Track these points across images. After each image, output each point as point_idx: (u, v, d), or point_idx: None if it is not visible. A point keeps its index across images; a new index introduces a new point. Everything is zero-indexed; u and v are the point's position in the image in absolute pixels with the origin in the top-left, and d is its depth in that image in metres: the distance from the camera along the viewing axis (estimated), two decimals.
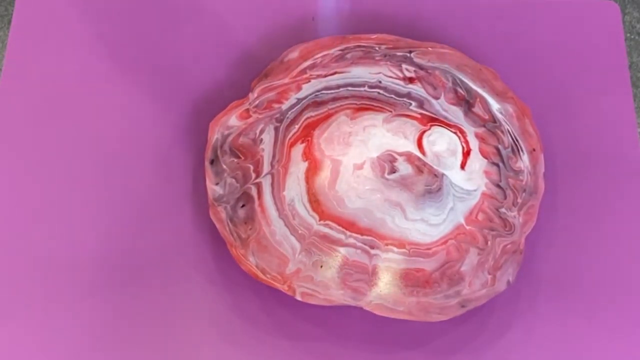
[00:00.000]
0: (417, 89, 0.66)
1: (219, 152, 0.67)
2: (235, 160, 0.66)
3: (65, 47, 0.75)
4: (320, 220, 0.63)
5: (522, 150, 0.67)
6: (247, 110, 0.68)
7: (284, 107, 0.67)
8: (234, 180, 0.65)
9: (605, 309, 0.68)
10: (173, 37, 0.77)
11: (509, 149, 0.66)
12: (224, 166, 0.66)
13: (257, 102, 0.67)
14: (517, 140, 0.67)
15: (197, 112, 0.73)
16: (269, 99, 0.67)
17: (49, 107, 0.73)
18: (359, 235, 0.62)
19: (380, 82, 0.67)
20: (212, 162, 0.67)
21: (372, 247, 0.63)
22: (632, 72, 0.77)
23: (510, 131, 0.67)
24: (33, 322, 0.65)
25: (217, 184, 0.66)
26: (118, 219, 0.69)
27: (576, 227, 0.71)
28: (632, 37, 0.77)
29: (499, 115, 0.67)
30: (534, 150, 0.68)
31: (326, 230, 0.63)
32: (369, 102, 0.66)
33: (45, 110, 0.73)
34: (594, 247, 0.71)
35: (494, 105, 0.68)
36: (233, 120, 0.68)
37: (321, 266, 0.63)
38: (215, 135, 0.67)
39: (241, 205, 0.64)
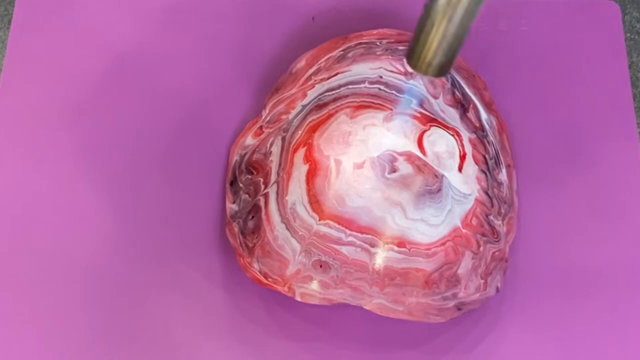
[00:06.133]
0: (418, 85, 0.66)
1: (237, 172, 0.68)
2: (250, 176, 0.67)
3: (65, 48, 0.75)
4: (320, 220, 0.63)
5: (501, 164, 0.68)
6: (261, 127, 0.69)
7: (291, 116, 0.68)
8: (247, 195, 0.67)
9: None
10: (176, 48, 0.77)
11: (493, 160, 0.67)
12: (241, 184, 0.67)
13: (268, 117, 0.69)
14: (498, 153, 0.68)
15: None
16: (279, 112, 0.68)
17: (49, 108, 0.73)
18: (359, 234, 0.63)
19: (381, 77, 0.67)
20: (231, 183, 0.68)
21: (373, 246, 0.63)
22: (632, 72, 0.77)
23: (494, 143, 0.68)
24: (42, 324, 0.66)
25: (234, 202, 0.67)
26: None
27: (573, 229, 0.71)
28: (632, 37, 0.78)
29: (486, 126, 0.68)
30: (509, 166, 0.69)
31: (326, 229, 0.63)
32: (369, 99, 0.66)
33: (45, 111, 0.73)
34: (591, 248, 0.71)
35: (483, 114, 0.68)
36: (249, 139, 0.69)
37: (320, 266, 0.63)
38: (235, 157, 0.69)
39: (251, 217, 0.65)
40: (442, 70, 0.54)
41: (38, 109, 0.73)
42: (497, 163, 0.68)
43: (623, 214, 0.72)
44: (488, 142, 0.67)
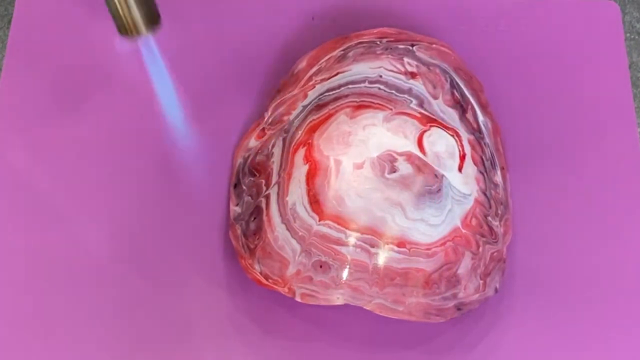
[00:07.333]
0: (418, 85, 0.66)
1: (240, 175, 0.68)
2: (252, 178, 0.67)
3: (65, 48, 0.75)
4: (320, 220, 0.63)
5: (496, 166, 0.68)
6: (263, 129, 0.69)
7: (292, 117, 0.68)
8: (250, 197, 0.67)
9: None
10: (177, 50, 0.77)
11: (489, 162, 0.67)
12: (244, 187, 0.67)
13: (270, 119, 0.69)
14: (493, 154, 0.68)
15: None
16: (280, 113, 0.68)
17: (49, 108, 0.73)
18: (359, 234, 0.62)
19: (381, 76, 0.67)
20: (235, 186, 0.68)
21: (373, 246, 0.62)
22: (632, 72, 0.77)
23: (489, 145, 0.68)
24: (45, 326, 0.65)
25: (237, 204, 0.67)
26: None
27: (570, 230, 0.71)
28: (632, 37, 0.77)
29: (483, 128, 0.68)
30: (503, 168, 0.69)
31: (326, 230, 0.63)
32: (369, 98, 0.65)
33: (45, 110, 0.73)
34: (589, 248, 0.71)
35: (480, 116, 0.68)
36: (252, 141, 0.70)
37: (320, 266, 0.63)
38: (238, 160, 0.69)
39: (253, 218, 0.65)
40: (149, 20, 0.62)
41: (38, 108, 0.73)
42: (493, 165, 0.68)
43: (622, 214, 0.72)
44: (484, 143, 0.68)
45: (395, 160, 0.63)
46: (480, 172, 0.66)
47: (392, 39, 0.70)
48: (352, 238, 0.63)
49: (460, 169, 0.65)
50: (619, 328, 0.68)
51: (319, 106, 0.66)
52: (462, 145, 0.65)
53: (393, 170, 0.63)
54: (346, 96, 0.66)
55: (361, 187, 0.63)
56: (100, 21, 0.77)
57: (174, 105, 0.67)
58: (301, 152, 0.65)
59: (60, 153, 0.71)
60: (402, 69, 0.67)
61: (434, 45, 0.70)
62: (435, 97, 0.66)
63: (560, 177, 0.73)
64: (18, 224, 0.69)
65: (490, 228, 0.66)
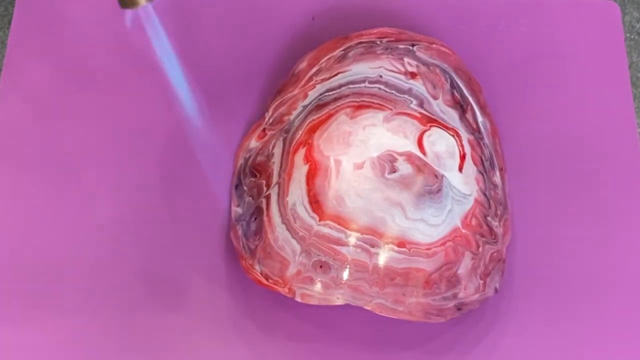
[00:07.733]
0: (418, 85, 0.66)
1: (241, 175, 0.68)
2: (253, 179, 0.67)
3: (65, 48, 0.75)
4: (320, 220, 0.63)
5: (495, 166, 0.68)
6: (264, 129, 0.69)
7: (292, 117, 0.68)
8: (250, 198, 0.67)
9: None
10: (177, 52, 0.77)
11: (488, 162, 0.67)
12: (245, 188, 0.67)
13: (271, 119, 0.69)
14: (492, 155, 0.68)
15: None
16: (281, 113, 0.68)
17: (49, 108, 0.73)
18: (359, 234, 0.62)
19: (381, 76, 0.67)
20: (236, 187, 0.68)
21: (373, 246, 0.62)
22: (632, 72, 0.77)
23: (488, 145, 0.68)
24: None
25: (238, 205, 0.67)
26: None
27: (569, 230, 0.71)
28: (632, 37, 0.77)
29: (482, 128, 0.68)
30: (501, 169, 0.69)
31: (326, 230, 0.63)
32: (369, 98, 0.65)
33: (45, 110, 0.73)
34: (587, 249, 0.71)
35: (479, 117, 0.68)
36: (253, 142, 0.70)
37: (321, 266, 0.63)
38: (240, 160, 0.69)
39: (254, 219, 0.65)
40: None
41: (38, 108, 0.73)
42: (492, 165, 0.68)
43: (622, 214, 0.72)
44: (484, 144, 0.68)
45: (395, 160, 0.64)
46: (480, 172, 0.66)
47: (392, 39, 0.70)
48: (353, 238, 0.63)
49: (460, 169, 0.65)
50: (619, 328, 0.68)
51: (319, 106, 0.66)
52: (462, 145, 0.65)
53: (393, 170, 0.63)
54: (346, 96, 0.66)
55: (361, 187, 0.63)
56: (103, 22, 0.77)
57: (179, 74, 0.67)
58: (301, 152, 0.65)
59: (60, 154, 0.71)
60: (402, 69, 0.67)
61: (434, 45, 0.70)
62: (435, 97, 0.66)
63: (560, 177, 0.73)
64: (18, 224, 0.69)
65: (490, 228, 0.66)
